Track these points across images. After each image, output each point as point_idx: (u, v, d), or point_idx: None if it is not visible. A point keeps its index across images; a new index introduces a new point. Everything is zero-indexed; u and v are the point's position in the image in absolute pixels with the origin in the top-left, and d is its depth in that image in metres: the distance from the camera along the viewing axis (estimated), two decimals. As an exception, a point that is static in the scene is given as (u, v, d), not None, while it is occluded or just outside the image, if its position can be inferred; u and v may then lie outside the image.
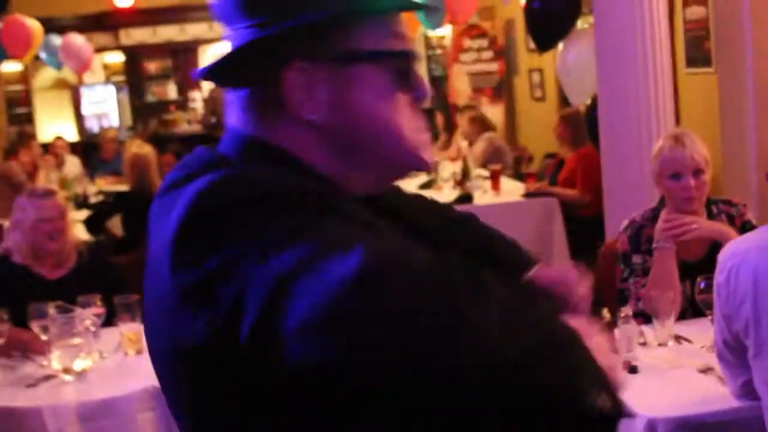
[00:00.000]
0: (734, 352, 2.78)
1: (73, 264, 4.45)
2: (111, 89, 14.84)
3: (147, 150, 7.72)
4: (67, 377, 3.63)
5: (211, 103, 12.42)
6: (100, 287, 4.18)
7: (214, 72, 1.36)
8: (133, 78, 14.79)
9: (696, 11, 6.91)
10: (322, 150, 1.32)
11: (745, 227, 3.82)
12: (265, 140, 1.33)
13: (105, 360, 3.86)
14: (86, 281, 4.31)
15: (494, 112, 11.67)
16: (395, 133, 1.33)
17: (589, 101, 8.21)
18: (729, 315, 2.72)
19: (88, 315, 3.87)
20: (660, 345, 3.47)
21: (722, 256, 2.80)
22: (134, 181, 7.45)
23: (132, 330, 3.88)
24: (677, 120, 5.75)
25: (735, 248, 2.80)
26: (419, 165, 1.38)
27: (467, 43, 12.59)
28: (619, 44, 5.17)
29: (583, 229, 7.63)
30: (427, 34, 12.99)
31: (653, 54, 5.11)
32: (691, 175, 3.73)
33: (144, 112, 14.52)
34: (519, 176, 8.94)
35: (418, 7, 1.40)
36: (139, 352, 3.85)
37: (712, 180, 3.85)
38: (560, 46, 7.04)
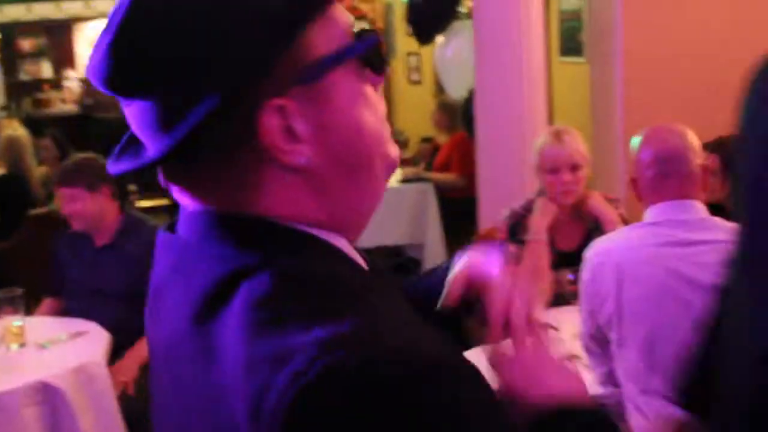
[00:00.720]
0: (598, 344, 2.95)
1: None
2: (-17, 67, 14.49)
3: (21, 133, 7.63)
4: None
5: (87, 82, 12.22)
6: None
7: (165, 159, 1.08)
8: (6, 56, 14.45)
9: (571, 2, 7.07)
10: (319, 196, 1.13)
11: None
12: (242, 215, 1.11)
13: (-13, 354, 3.85)
14: None
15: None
16: (377, 135, 1.16)
17: (466, 94, 8.39)
18: (593, 310, 2.88)
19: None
20: (530, 334, 3.61)
21: (587, 254, 2.97)
22: (9, 165, 7.36)
23: (15, 323, 3.89)
24: (550, 109, 5.90)
25: (599, 247, 2.96)
26: (394, 164, 1.21)
27: (347, 25, 12.62)
28: (495, 34, 5.28)
29: (456, 211, 7.81)
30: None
31: (527, 43, 5.23)
32: (569, 171, 3.92)
33: (17, 90, 14.21)
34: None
35: None
36: (22, 345, 3.87)
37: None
38: (439, 39, 7.15)
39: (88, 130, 11.54)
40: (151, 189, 10.16)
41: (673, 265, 2.75)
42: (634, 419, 2.89)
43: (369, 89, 1.16)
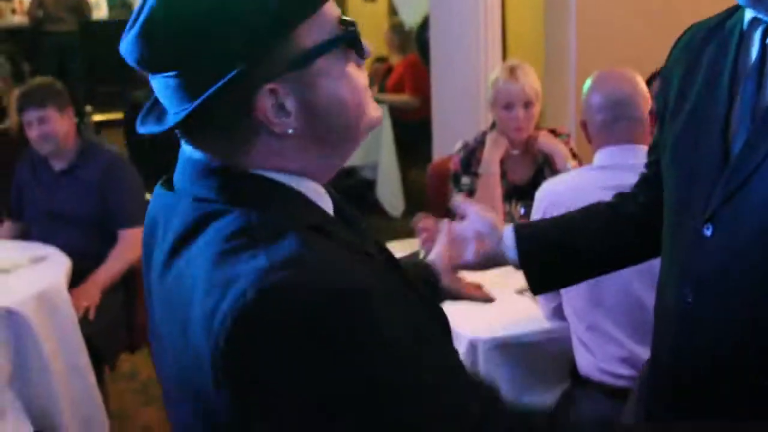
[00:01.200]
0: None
1: None
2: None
3: None
4: None
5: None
6: None
7: (180, 125, 1.35)
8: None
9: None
10: (300, 153, 1.38)
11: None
12: (245, 170, 1.36)
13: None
14: None
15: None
16: (357, 105, 1.40)
17: (420, 20, 8.40)
18: (543, 249, 2.99)
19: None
20: (481, 265, 3.73)
21: (539, 194, 3.07)
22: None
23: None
24: (504, 41, 5.94)
25: (551, 188, 3.07)
26: (376, 124, 1.47)
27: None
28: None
29: (409, 131, 7.90)
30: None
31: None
32: (522, 107, 4.01)
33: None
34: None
35: None
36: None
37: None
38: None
39: (39, 45, 11.41)
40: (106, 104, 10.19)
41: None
42: (579, 354, 3.03)
43: (352, 68, 1.41)
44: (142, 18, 1.33)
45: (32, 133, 4.40)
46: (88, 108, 7.49)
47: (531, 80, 4.03)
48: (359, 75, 1.42)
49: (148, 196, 4.43)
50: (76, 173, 4.48)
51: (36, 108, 4.38)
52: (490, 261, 2.16)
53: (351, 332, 1.21)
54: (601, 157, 3.00)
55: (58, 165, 4.50)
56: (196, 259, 1.31)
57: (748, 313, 1.69)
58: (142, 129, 1.43)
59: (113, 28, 11.93)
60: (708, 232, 1.72)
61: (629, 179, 2.86)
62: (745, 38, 1.77)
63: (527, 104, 4.01)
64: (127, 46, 1.36)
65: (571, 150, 4.14)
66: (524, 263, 2.13)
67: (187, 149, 1.42)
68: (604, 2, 5.22)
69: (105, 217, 4.41)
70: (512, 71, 4.04)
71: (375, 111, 1.46)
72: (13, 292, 3.78)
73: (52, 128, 4.38)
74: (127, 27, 1.37)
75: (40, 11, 11.51)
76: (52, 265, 4.10)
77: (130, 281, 4.43)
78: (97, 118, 8.94)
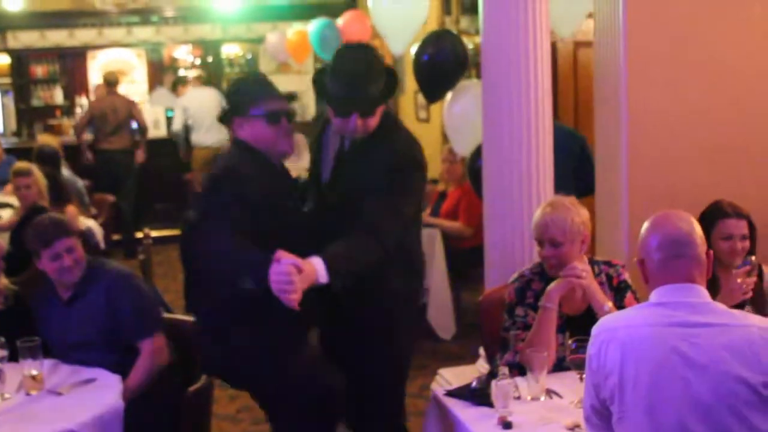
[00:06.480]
0: (600, 417, 3.04)
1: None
2: (-4, 92, 14.53)
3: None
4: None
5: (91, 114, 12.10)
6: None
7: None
8: (18, 82, 14.54)
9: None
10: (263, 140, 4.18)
11: (620, 286, 4.19)
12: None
13: (8, 401, 3.95)
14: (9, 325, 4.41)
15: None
16: (275, 143, 4.18)
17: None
18: (598, 384, 2.98)
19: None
20: (533, 399, 3.71)
21: (595, 330, 3.07)
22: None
23: (34, 371, 4.00)
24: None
25: (607, 324, 3.06)
26: (285, 153, 4.25)
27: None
28: (503, 98, 5.38)
29: (462, 259, 7.91)
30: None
31: (535, 108, 5.35)
32: (549, 245, 4.07)
33: (29, 116, 14.26)
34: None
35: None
36: (39, 391, 3.98)
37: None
38: (448, 96, 7.23)
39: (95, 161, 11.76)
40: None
41: (674, 344, 2.84)
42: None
43: (279, 126, 4.21)
44: None
45: (64, 263, 4.45)
46: (146, 230, 7.54)
47: (560, 218, 4.06)
48: (282, 129, 4.19)
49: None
50: (83, 299, 4.53)
51: (64, 237, 4.47)
52: None
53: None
54: (659, 294, 3.00)
55: (63, 293, 4.56)
56: None
57: None
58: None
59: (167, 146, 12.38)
60: None
61: (684, 317, 2.88)
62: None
63: (553, 242, 4.06)
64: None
65: (624, 281, 4.18)
66: None
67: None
68: (654, 133, 5.29)
69: (120, 335, 4.49)
70: (545, 208, 4.14)
71: (288, 146, 4.23)
72: (72, 414, 3.81)
73: (80, 254, 4.50)
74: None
75: (90, 129, 11.75)
76: (103, 385, 4.15)
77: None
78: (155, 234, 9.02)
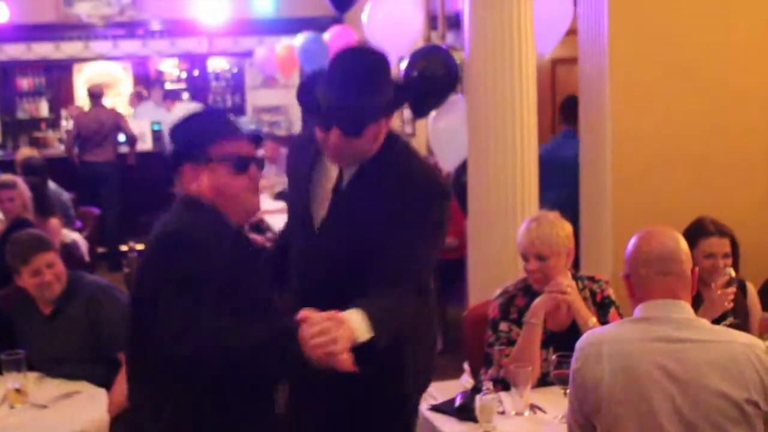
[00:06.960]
0: (584, 430, 3.06)
1: None
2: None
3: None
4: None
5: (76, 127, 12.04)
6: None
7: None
8: (4, 94, 14.49)
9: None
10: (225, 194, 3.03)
11: (604, 302, 4.17)
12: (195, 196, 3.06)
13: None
14: None
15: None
16: (240, 197, 3.05)
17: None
18: (582, 399, 2.98)
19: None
20: (517, 414, 3.71)
21: (579, 344, 3.07)
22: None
23: (17, 385, 3.97)
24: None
25: (591, 339, 3.07)
26: (253, 211, 3.17)
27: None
28: (488, 114, 5.41)
29: (445, 272, 7.90)
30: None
31: (520, 123, 5.37)
32: (535, 259, 4.07)
33: (14, 129, 14.24)
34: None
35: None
36: (24, 405, 3.96)
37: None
38: (432, 113, 7.24)
39: (75, 172, 11.67)
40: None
41: (658, 360, 2.86)
42: None
43: (245, 175, 3.05)
44: None
45: (44, 278, 4.44)
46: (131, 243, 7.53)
47: (545, 232, 4.06)
48: (249, 179, 3.07)
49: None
50: (64, 313, 4.51)
51: (44, 251, 4.46)
52: None
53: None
54: (644, 309, 3.01)
55: (44, 307, 4.55)
56: None
57: None
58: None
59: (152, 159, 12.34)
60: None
61: (669, 332, 2.89)
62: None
63: (538, 256, 4.06)
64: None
65: (608, 296, 4.18)
66: None
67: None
68: (637, 151, 5.32)
69: (103, 347, 4.45)
70: (529, 223, 4.13)
71: (256, 203, 3.18)
72: (56, 427, 3.81)
73: (60, 269, 4.48)
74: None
75: (77, 141, 11.73)
76: (88, 398, 4.13)
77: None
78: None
